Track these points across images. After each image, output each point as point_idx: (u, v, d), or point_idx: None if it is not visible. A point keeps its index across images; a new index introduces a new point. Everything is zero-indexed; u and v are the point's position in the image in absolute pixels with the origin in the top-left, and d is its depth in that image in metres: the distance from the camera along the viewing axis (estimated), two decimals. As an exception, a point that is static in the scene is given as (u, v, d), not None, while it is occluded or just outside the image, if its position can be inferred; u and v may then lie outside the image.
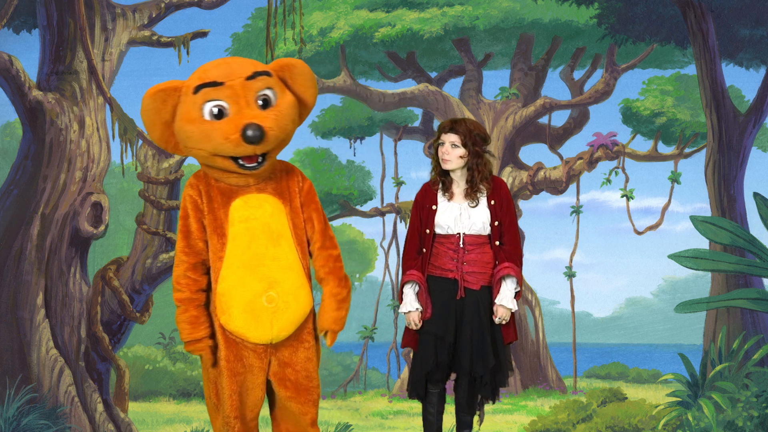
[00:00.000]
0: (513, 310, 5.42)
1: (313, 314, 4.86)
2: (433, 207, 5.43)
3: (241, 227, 4.70)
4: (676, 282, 12.88)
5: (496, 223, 5.42)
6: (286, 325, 4.72)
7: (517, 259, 5.46)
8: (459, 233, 5.40)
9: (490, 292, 5.43)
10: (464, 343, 5.41)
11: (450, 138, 5.39)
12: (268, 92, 4.64)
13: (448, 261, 5.42)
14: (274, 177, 4.80)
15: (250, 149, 4.53)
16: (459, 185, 5.46)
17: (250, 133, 4.47)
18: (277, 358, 4.78)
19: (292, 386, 4.79)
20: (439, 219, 5.42)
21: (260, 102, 4.61)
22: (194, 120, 4.55)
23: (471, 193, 5.41)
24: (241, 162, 4.58)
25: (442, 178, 5.47)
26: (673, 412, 9.60)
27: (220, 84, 4.57)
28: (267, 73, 4.69)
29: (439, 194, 5.46)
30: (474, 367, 5.42)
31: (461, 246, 5.41)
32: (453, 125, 5.42)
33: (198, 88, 4.56)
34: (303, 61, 4.84)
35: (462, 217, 5.41)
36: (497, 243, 5.43)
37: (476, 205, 5.41)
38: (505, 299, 5.39)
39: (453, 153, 5.36)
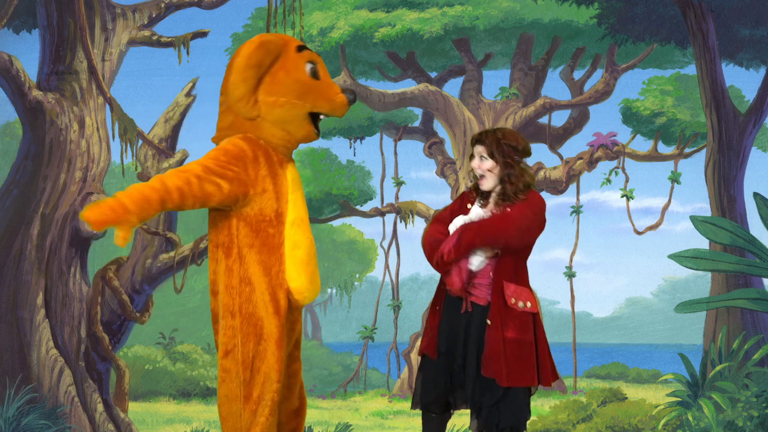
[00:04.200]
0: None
1: None
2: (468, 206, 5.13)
3: (297, 194, 4.71)
4: (676, 282, 12.88)
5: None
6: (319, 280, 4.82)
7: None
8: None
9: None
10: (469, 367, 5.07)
11: (477, 149, 5.06)
12: None
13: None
14: None
15: (345, 110, 4.76)
16: (494, 198, 5.09)
17: (351, 96, 4.71)
18: (295, 326, 4.82)
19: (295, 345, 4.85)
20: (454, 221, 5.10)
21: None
22: (303, 75, 4.66)
23: (500, 204, 5.03)
24: (317, 129, 4.75)
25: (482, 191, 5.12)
26: (673, 412, 9.60)
27: (313, 52, 4.77)
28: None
29: (476, 203, 5.13)
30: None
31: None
32: (480, 136, 5.09)
33: (301, 48, 4.70)
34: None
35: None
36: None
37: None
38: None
39: (483, 166, 5.03)
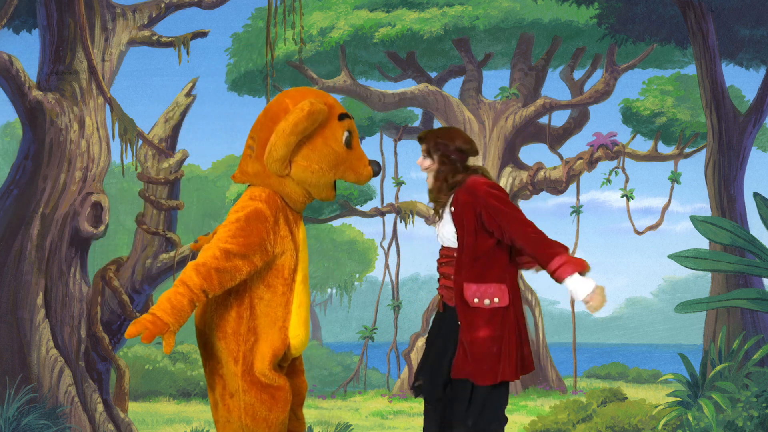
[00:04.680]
0: (581, 294, 4.81)
1: None
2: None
3: (305, 252, 4.90)
4: (676, 282, 12.88)
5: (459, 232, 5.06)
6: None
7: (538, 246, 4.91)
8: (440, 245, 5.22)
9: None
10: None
11: (421, 148, 5.21)
12: None
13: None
14: None
15: (368, 180, 4.97)
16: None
17: (376, 168, 4.91)
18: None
19: (296, 371, 4.95)
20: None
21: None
22: (339, 145, 4.82)
23: (435, 205, 5.17)
24: (335, 191, 4.92)
25: None
26: (673, 412, 9.60)
27: (350, 117, 4.90)
28: None
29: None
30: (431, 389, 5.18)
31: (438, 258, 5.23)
32: (420, 134, 5.22)
33: (342, 116, 4.85)
34: None
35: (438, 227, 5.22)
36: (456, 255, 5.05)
37: (440, 218, 5.16)
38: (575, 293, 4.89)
39: (423, 164, 5.16)
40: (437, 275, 5.26)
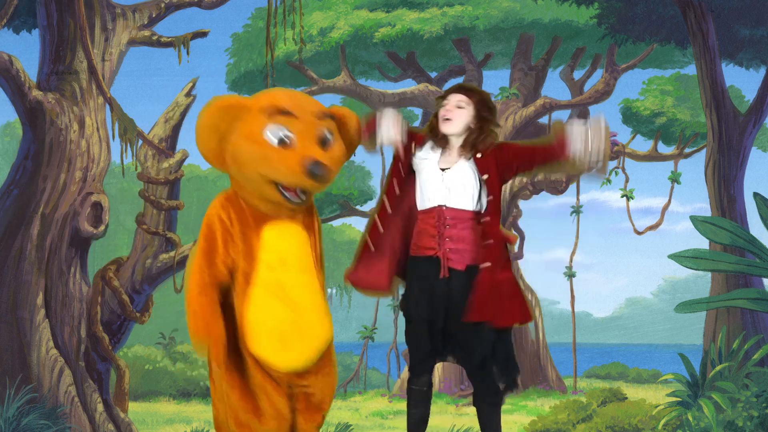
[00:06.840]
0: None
1: (332, 342, 4.88)
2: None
3: (274, 255, 4.64)
4: (676, 282, 12.88)
5: (491, 197, 4.79)
6: (312, 354, 4.69)
7: None
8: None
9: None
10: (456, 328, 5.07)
11: (457, 97, 4.85)
12: (328, 134, 4.62)
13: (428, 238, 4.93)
14: (302, 210, 4.75)
15: (309, 184, 4.53)
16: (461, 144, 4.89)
17: (318, 171, 4.48)
18: (297, 384, 4.76)
19: (304, 402, 4.83)
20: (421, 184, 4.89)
21: (321, 142, 4.58)
22: (258, 142, 4.52)
23: (465, 150, 4.84)
24: (286, 195, 4.56)
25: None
26: (673, 412, 9.60)
27: (291, 114, 4.54)
28: (332, 117, 4.69)
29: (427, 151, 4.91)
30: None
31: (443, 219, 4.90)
32: (464, 87, 4.91)
33: (270, 113, 4.54)
34: (357, 116, 4.83)
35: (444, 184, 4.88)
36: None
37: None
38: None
39: (457, 113, 4.82)
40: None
